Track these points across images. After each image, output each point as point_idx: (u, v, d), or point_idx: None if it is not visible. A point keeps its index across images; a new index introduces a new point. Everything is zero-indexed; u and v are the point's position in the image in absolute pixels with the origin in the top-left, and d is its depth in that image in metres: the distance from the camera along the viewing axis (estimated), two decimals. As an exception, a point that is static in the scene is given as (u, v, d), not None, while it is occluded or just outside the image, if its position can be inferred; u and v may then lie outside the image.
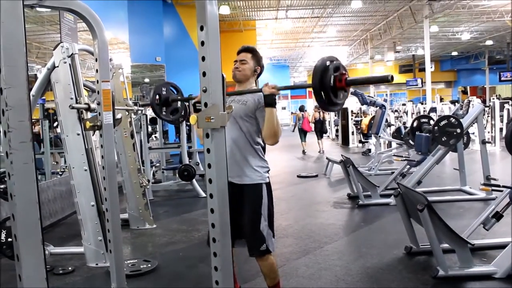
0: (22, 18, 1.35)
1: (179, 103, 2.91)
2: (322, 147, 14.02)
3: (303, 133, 14.18)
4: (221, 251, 1.77)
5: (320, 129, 14.17)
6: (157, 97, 2.80)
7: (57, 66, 3.97)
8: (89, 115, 3.85)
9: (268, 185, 2.73)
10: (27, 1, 2.20)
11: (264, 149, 2.76)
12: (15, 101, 1.35)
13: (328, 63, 2.05)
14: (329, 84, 2.04)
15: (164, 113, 2.83)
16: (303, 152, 13.89)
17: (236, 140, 2.63)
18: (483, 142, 6.08)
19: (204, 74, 1.71)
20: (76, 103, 3.82)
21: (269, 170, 2.76)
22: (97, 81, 2.75)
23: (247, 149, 2.65)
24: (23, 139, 1.36)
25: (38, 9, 2.31)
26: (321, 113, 14.33)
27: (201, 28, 1.71)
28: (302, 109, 14.65)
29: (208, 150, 1.73)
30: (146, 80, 15.65)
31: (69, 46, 3.99)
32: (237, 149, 2.63)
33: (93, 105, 3.57)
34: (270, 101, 2.47)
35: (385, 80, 2.00)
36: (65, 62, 3.94)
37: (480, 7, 17.94)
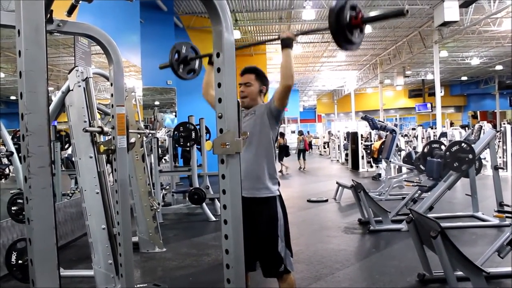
0: (45, 45, 1.38)
1: (197, 63, 2.92)
2: (284, 168, 16.11)
3: (302, 152, 17.14)
4: (235, 277, 1.75)
5: (285, 153, 16.34)
6: (176, 55, 2.81)
7: (72, 90, 4.01)
8: (102, 138, 3.88)
9: (280, 198, 2.73)
10: (47, 28, 2.24)
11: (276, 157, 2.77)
12: (35, 127, 1.36)
13: (344, 1, 2.05)
14: (345, 22, 2.03)
15: (181, 70, 2.84)
16: (302, 168, 16.94)
17: (249, 154, 2.64)
18: (496, 168, 6.02)
19: (220, 100, 1.73)
20: (90, 126, 3.86)
21: (279, 182, 2.75)
22: (112, 105, 2.78)
23: (260, 162, 2.66)
24: (42, 164, 1.38)
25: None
26: (285, 139, 17.41)
27: (218, 55, 1.74)
28: (301, 133, 18.17)
29: (223, 176, 1.74)
30: (157, 102, 15.77)
31: (84, 70, 4.05)
32: (250, 163, 2.64)
33: (106, 129, 3.60)
34: (287, 41, 2.55)
35: (400, 13, 1.98)
36: (79, 86, 3.99)
37: (489, 32, 17.99)
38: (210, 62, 2.75)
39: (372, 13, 15.17)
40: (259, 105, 2.76)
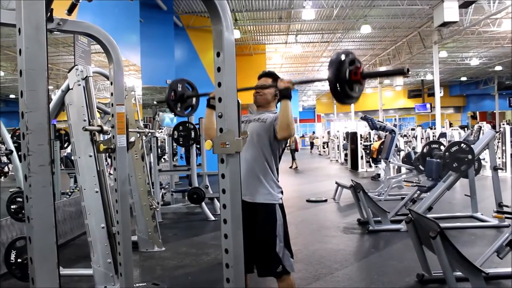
0: (45, 44, 1.38)
1: (194, 100, 2.92)
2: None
3: (292, 152, 17.34)
4: (234, 276, 1.75)
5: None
6: (172, 93, 2.81)
7: (71, 88, 4.01)
8: (102, 137, 3.87)
9: (281, 206, 2.73)
10: (48, 26, 2.24)
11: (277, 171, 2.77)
12: (35, 125, 1.36)
13: (343, 56, 2.04)
14: (344, 77, 2.02)
15: (178, 109, 2.84)
16: (292, 167, 17.19)
17: (253, 158, 2.65)
18: (495, 169, 6.01)
19: (220, 99, 1.73)
20: (89, 125, 3.85)
21: (282, 191, 2.77)
22: (112, 104, 2.78)
23: (263, 169, 2.68)
24: (42, 162, 1.38)
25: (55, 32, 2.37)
26: None
27: (218, 55, 1.74)
28: None
29: (223, 176, 1.74)
30: (156, 102, 15.68)
31: (84, 68, 4.05)
32: (253, 167, 2.65)
33: (105, 127, 3.60)
34: (285, 93, 2.54)
35: (401, 72, 1.97)
36: (79, 85, 3.98)
37: (489, 33, 17.99)
38: (209, 105, 2.74)
39: (373, 12, 15.19)
40: (271, 115, 2.75)
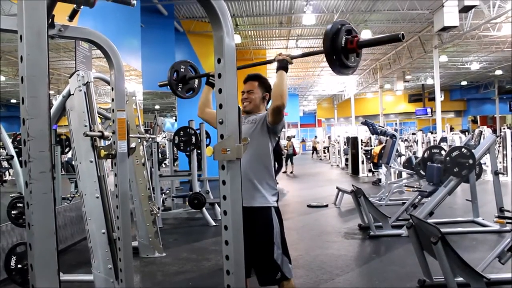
0: (47, 50, 1.38)
1: (196, 82, 2.93)
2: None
3: (290, 157, 17.74)
4: (235, 283, 1.75)
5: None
6: (175, 74, 2.83)
7: (72, 94, 4.01)
8: (103, 142, 3.87)
9: (277, 210, 2.71)
10: (49, 32, 2.24)
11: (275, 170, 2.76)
12: (36, 132, 1.37)
13: (339, 26, 2.03)
14: (340, 46, 2.01)
15: (180, 89, 2.85)
16: (289, 172, 17.32)
17: (247, 162, 2.62)
18: (496, 173, 6.01)
19: (220, 106, 1.73)
20: (90, 130, 3.86)
21: (277, 193, 2.74)
22: (113, 110, 2.78)
23: (257, 172, 2.65)
24: (43, 169, 1.38)
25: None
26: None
27: (219, 61, 1.74)
28: (289, 138, 19.37)
29: (224, 182, 1.74)
30: (157, 107, 15.70)
31: (85, 74, 4.05)
32: (247, 171, 2.62)
33: (106, 133, 3.60)
34: (282, 64, 2.53)
35: (396, 39, 1.95)
36: (80, 90, 3.99)
37: (489, 37, 18.01)
38: (209, 83, 2.77)
39: (373, 17, 15.22)
40: (260, 114, 2.75)
